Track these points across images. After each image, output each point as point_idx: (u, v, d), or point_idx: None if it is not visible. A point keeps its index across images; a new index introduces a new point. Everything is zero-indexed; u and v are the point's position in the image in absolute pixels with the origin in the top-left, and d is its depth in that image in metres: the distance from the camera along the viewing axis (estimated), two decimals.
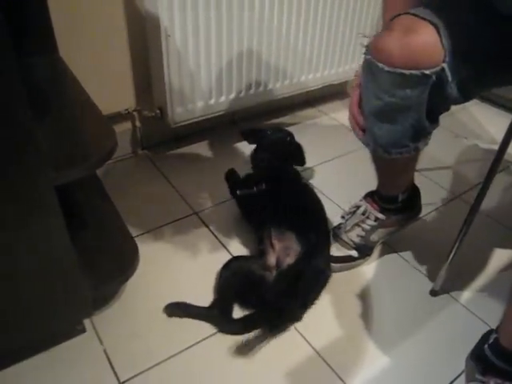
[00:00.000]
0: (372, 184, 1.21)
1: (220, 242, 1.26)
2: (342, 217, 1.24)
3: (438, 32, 0.76)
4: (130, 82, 1.45)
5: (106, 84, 1.39)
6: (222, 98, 1.49)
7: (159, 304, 1.06)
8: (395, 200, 1.15)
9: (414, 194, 1.20)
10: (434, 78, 0.77)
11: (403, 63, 0.75)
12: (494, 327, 1.05)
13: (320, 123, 1.87)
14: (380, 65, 0.78)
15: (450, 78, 0.78)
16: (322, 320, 1.07)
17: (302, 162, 1.41)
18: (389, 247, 1.28)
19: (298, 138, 1.42)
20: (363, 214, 1.18)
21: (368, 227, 1.18)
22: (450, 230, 1.33)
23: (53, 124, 0.87)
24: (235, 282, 1.05)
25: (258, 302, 1.02)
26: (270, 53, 1.53)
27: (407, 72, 0.76)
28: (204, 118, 1.50)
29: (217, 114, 1.53)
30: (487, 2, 0.77)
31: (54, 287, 0.83)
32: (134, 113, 1.51)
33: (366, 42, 0.83)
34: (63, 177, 0.76)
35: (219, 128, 1.72)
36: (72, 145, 0.83)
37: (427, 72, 0.76)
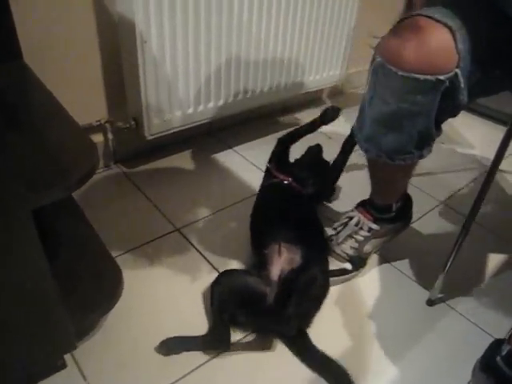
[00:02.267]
0: (358, 193, 1.17)
1: (206, 259, 1.18)
2: (334, 228, 1.19)
3: (454, 35, 0.72)
4: (101, 92, 1.36)
5: (75, 94, 1.29)
6: (201, 107, 1.42)
7: (144, 331, 0.98)
8: (389, 209, 1.11)
9: (407, 202, 1.16)
10: (447, 83, 0.73)
11: (418, 68, 0.71)
12: (494, 335, 1.03)
13: None
14: (393, 68, 0.73)
15: (462, 85, 0.74)
16: (319, 335, 1.01)
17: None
18: (381, 257, 1.24)
19: None
20: (356, 224, 1.13)
21: (361, 238, 1.14)
22: (439, 237, 1.32)
23: (24, 140, 0.78)
24: (232, 298, 0.96)
25: (260, 316, 0.95)
26: (249, 60, 1.47)
27: (421, 77, 0.72)
28: (182, 128, 1.42)
29: (195, 124, 1.45)
30: (497, 4, 0.74)
31: (31, 321, 0.74)
32: (106, 124, 1.42)
33: (374, 43, 0.78)
34: (39, 199, 0.68)
35: (197, 138, 1.65)
36: (48, 162, 0.74)
37: (442, 77, 0.72)
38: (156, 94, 1.29)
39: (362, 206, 1.15)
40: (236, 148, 1.65)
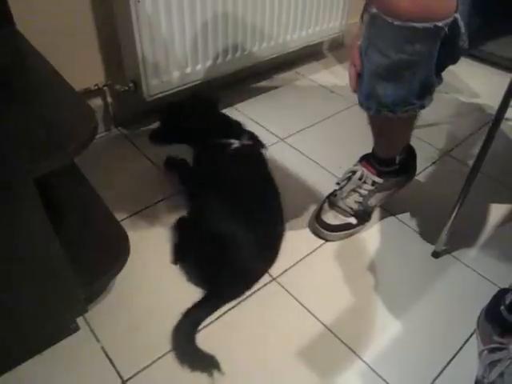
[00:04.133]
0: (360, 146, 1.17)
1: None
2: (337, 183, 1.19)
3: None
4: (97, 55, 1.33)
5: (71, 58, 1.26)
6: (199, 67, 1.40)
7: (154, 292, 1.00)
8: (393, 162, 1.11)
9: (410, 154, 1.15)
10: (446, 30, 0.71)
11: (414, 16, 0.69)
12: (499, 285, 1.04)
13: (300, 86, 1.79)
14: (389, 19, 0.71)
15: (462, 30, 0.73)
16: (328, 292, 1.03)
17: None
18: (386, 211, 1.24)
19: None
20: (360, 178, 1.13)
21: (365, 192, 1.13)
22: (443, 188, 1.32)
23: (21, 108, 0.77)
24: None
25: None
26: (247, 14, 1.43)
27: (419, 25, 0.69)
28: (181, 88, 1.40)
29: (194, 84, 1.43)
30: None
31: (42, 287, 0.76)
32: (105, 88, 1.40)
33: None
34: (40, 168, 0.68)
35: None
36: (46, 130, 0.73)
37: (440, 24, 0.69)
38: (153, 55, 1.27)
39: (366, 159, 1.14)
40: (237, 106, 1.63)
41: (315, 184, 1.32)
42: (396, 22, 0.70)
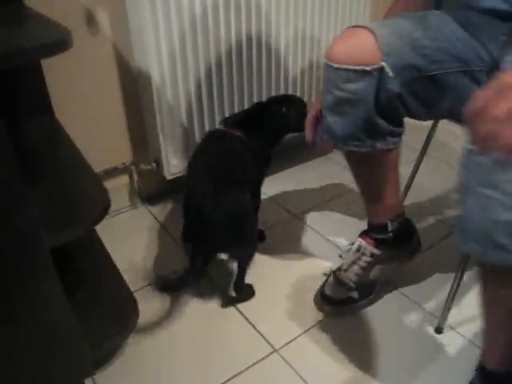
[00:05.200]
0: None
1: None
2: (340, 256, 1.24)
3: (375, 37, 0.89)
4: (125, 137, 1.49)
5: (102, 140, 1.43)
6: None
7: (165, 356, 1.05)
8: (385, 229, 1.15)
9: (406, 225, 1.19)
10: (375, 74, 0.89)
11: (347, 60, 0.89)
12: None
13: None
14: (329, 63, 0.92)
15: (390, 74, 0.90)
16: (327, 364, 1.05)
17: None
18: (389, 284, 1.26)
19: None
20: (358, 250, 1.18)
21: (365, 264, 1.17)
22: (449, 262, 1.33)
23: (46, 186, 0.89)
24: None
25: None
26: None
27: (351, 67, 0.89)
28: None
29: None
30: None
31: (53, 352, 0.83)
32: (132, 166, 1.54)
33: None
34: (56, 239, 0.77)
35: None
36: (65, 206, 0.84)
37: (368, 68, 0.89)
38: (173, 138, 1.41)
39: (364, 232, 1.20)
40: None
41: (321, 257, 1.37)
42: (335, 65, 0.91)
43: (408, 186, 1.48)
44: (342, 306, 1.17)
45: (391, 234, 1.15)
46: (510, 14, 0.92)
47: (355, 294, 1.17)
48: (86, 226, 0.80)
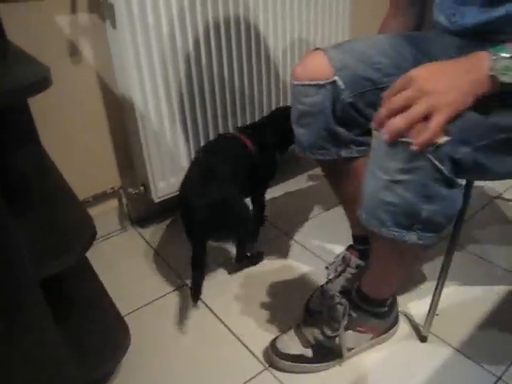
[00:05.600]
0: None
1: (213, 313, 1.28)
2: (326, 267, 1.26)
3: (327, 56, 0.99)
4: (113, 163, 1.52)
5: (90, 166, 1.46)
6: None
7: (159, 378, 1.07)
8: (367, 239, 1.16)
9: None
10: (328, 87, 0.99)
11: (304, 78, 1.00)
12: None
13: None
14: (292, 82, 1.04)
15: (342, 87, 0.99)
16: (318, 380, 1.07)
17: None
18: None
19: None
20: (343, 261, 1.21)
21: (350, 276, 1.20)
22: (430, 270, 1.35)
23: (33, 217, 0.91)
24: None
25: None
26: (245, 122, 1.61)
27: (307, 83, 1.00)
28: None
29: None
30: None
31: (39, 377, 0.85)
32: (120, 190, 1.57)
33: None
34: (46, 270, 0.80)
35: None
36: (52, 237, 0.87)
37: (321, 82, 0.99)
38: (159, 161, 1.44)
39: (350, 245, 1.23)
40: None
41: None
42: (295, 82, 1.02)
43: None
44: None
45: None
46: (455, 31, 1.00)
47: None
48: (75, 256, 0.83)
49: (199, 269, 1.22)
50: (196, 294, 1.21)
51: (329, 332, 1.09)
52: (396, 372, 1.09)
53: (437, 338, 1.16)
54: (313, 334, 1.11)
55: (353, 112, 1.02)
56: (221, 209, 1.23)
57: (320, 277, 1.34)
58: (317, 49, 1.05)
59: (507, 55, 0.72)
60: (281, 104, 1.70)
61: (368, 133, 1.08)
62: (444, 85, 0.73)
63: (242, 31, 1.47)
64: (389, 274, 1.04)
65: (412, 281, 1.34)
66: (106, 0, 1.22)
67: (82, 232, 0.89)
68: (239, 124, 1.59)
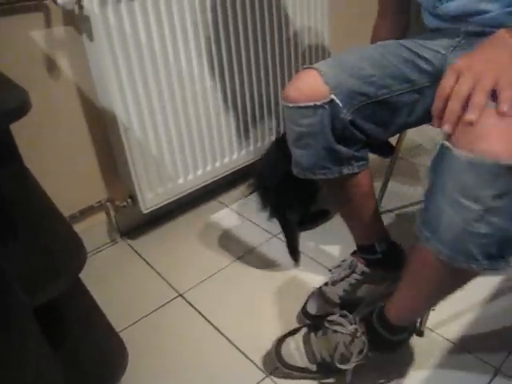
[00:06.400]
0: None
1: (210, 322, 1.26)
2: (330, 270, 1.26)
3: (320, 74, 0.97)
4: (98, 176, 1.50)
5: (75, 181, 1.44)
6: (190, 176, 1.54)
7: None
8: (373, 250, 1.17)
9: (395, 251, 1.21)
10: (326, 107, 0.96)
11: (299, 99, 0.97)
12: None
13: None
14: (286, 103, 1.00)
15: (340, 105, 0.97)
16: None
17: None
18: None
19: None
20: (349, 267, 1.20)
21: (354, 281, 1.20)
22: None
23: (18, 242, 0.89)
24: None
25: None
26: (230, 124, 1.60)
27: (303, 104, 0.97)
28: (175, 198, 1.54)
29: (188, 192, 1.57)
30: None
31: None
32: (107, 203, 1.54)
33: None
34: (38, 298, 0.78)
35: (193, 201, 1.75)
36: (42, 262, 0.85)
37: (318, 103, 0.96)
38: (145, 172, 1.42)
39: (356, 252, 1.22)
40: (232, 206, 1.76)
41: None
42: (290, 105, 0.98)
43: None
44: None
45: (380, 256, 1.17)
46: (446, 30, 1.02)
47: (337, 311, 1.19)
48: (66, 281, 0.81)
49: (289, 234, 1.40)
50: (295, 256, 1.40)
51: (338, 363, 1.02)
52: (394, 368, 1.09)
53: (433, 332, 1.17)
54: (321, 352, 1.05)
55: (352, 129, 1.01)
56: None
57: (315, 279, 1.34)
58: (306, 68, 1.01)
59: None
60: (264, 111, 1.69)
61: (365, 146, 1.07)
62: (491, 62, 0.71)
63: (222, 36, 1.45)
64: (430, 300, 0.94)
65: None
66: (82, 12, 1.19)
67: (72, 255, 0.87)
68: (223, 129, 1.58)
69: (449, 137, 0.71)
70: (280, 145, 1.37)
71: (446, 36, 1.05)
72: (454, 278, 0.82)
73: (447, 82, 0.71)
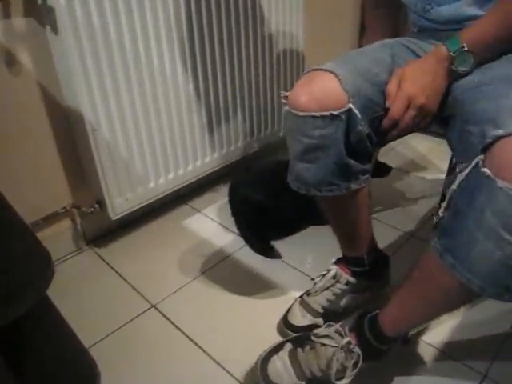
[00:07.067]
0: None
1: (184, 334, 1.19)
2: (312, 279, 1.20)
3: (338, 79, 0.85)
4: (63, 180, 1.39)
5: (38, 186, 1.33)
6: (161, 180, 1.46)
7: None
8: (361, 261, 1.13)
9: (381, 259, 1.18)
10: (343, 117, 0.85)
11: (311, 108, 0.85)
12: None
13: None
14: (294, 111, 0.87)
15: (359, 116, 0.86)
16: None
17: None
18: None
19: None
20: (334, 277, 1.15)
21: (338, 291, 1.15)
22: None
23: None
24: None
25: None
26: (203, 125, 1.53)
27: (317, 114, 0.85)
28: (146, 203, 1.45)
29: (159, 197, 1.49)
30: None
31: None
32: (73, 209, 1.44)
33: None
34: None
35: (165, 207, 1.67)
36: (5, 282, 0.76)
37: (335, 113, 0.85)
38: (114, 176, 1.33)
39: (340, 260, 1.17)
40: (205, 211, 1.68)
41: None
42: (300, 114, 0.86)
43: None
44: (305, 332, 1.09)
45: (367, 267, 1.14)
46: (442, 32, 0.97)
47: (320, 321, 1.14)
48: (31, 300, 0.73)
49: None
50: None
51: (334, 379, 0.95)
52: (380, 376, 1.05)
53: (419, 339, 1.14)
54: (310, 368, 0.98)
55: (367, 142, 0.92)
56: None
57: (295, 288, 1.29)
58: (317, 69, 0.89)
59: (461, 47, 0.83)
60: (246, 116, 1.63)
61: (370, 158, 0.98)
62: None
63: (195, 33, 1.38)
64: (432, 315, 0.94)
65: (390, 284, 1.31)
66: (46, 3, 1.10)
67: (38, 270, 0.78)
68: (195, 130, 1.51)
69: (485, 161, 0.67)
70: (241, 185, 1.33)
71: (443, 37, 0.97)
72: (464, 300, 0.83)
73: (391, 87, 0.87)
